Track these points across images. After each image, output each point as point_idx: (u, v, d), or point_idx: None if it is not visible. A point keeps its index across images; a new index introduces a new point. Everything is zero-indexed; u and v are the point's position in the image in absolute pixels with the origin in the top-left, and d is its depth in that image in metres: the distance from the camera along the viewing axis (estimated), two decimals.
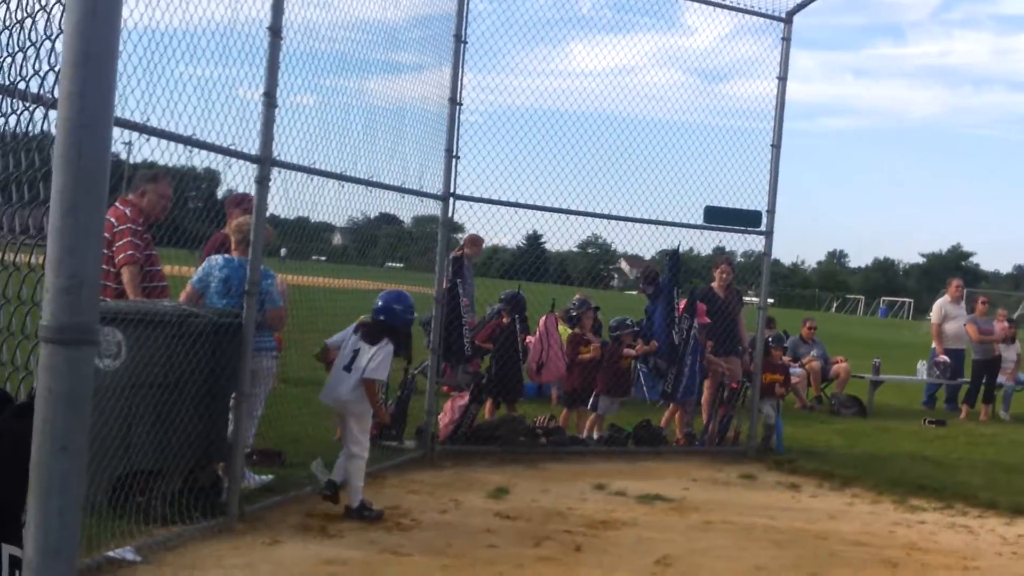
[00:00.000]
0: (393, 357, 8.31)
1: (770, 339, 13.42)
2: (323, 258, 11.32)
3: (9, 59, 3.23)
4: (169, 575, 6.23)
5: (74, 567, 2.38)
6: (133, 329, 6.86)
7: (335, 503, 8.01)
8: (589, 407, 12.19)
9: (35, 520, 2.36)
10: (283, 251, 9.69)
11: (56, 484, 2.35)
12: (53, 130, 2.87)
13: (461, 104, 10.77)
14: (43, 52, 3.00)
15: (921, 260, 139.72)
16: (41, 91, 3.04)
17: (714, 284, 13.06)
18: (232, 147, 7.24)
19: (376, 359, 8.01)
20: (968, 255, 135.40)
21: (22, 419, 2.56)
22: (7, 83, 3.34)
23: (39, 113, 3.17)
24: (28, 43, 3.07)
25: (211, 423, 7.39)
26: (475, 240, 13.43)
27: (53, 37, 2.85)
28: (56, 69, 2.83)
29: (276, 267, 8.65)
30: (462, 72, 10.75)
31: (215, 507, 7.43)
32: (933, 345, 19.17)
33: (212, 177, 9.00)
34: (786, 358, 14.89)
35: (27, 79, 3.04)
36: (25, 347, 2.99)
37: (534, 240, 14.30)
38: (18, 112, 3.27)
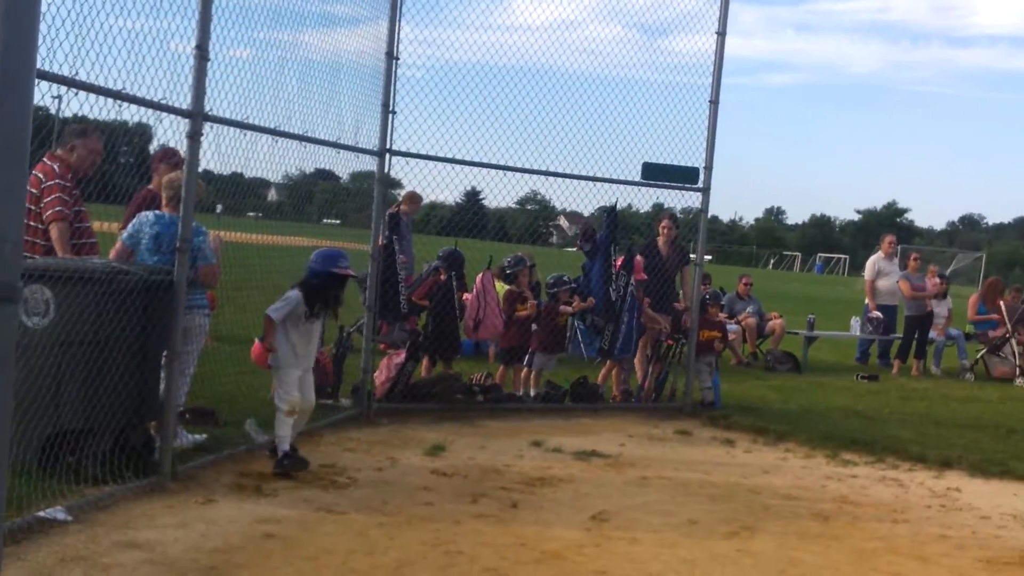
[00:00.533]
0: (309, 308, 8.24)
1: (707, 296, 13.51)
2: (259, 215, 11.20)
3: None
4: (101, 535, 6.16)
5: (1, 522, 2.34)
6: (62, 286, 6.72)
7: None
8: (525, 363, 12.22)
9: None
10: (219, 207, 9.55)
11: None
12: None
13: (398, 58, 10.65)
14: None
15: (857, 217, 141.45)
16: None
17: (658, 240, 13.11)
18: (163, 101, 7.10)
19: (277, 303, 8.14)
20: (903, 211, 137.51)
21: None
22: None
23: None
24: None
25: (142, 382, 7.28)
26: (413, 197, 13.35)
27: None
28: None
29: (212, 224, 8.55)
30: (399, 26, 10.63)
31: (148, 466, 7.35)
32: (866, 301, 19.41)
33: (144, 132, 8.84)
34: (722, 315, 15.02)
35: None
36: None
37: (472, 196, 14.25)
38: None
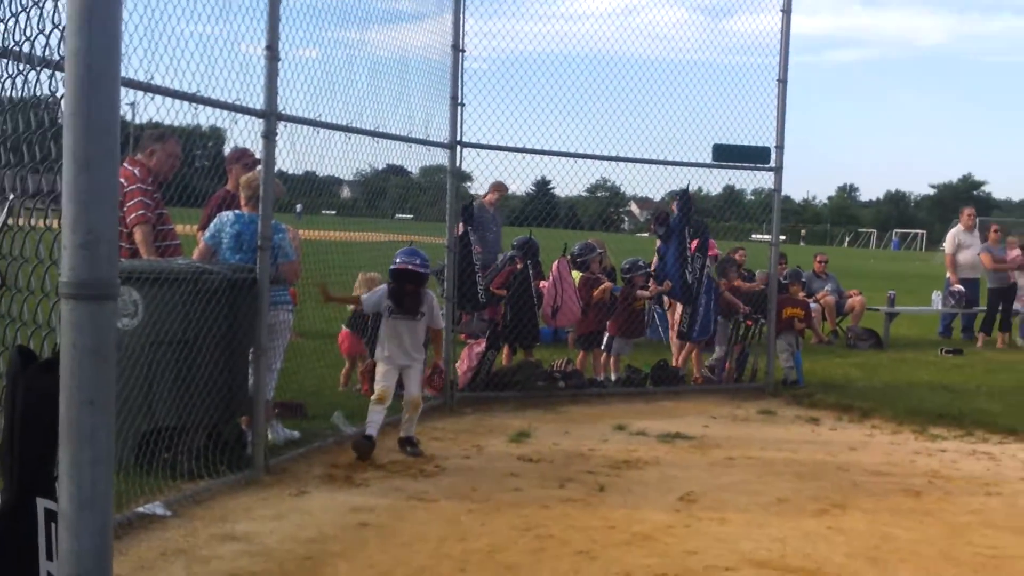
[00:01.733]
0: (392, 303, 8.63)
1: (787, 274, 13.41)
2: (332, 212, 11.33)
3: (12, 20, 3.22)
4: (200, 528, 6.30)
5: (109, 517, 2.41)
6: (149, 288, 6.88)
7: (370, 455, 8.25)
8: (603, 348, 12.23)
9: (67, 473, 2.39)
10: (298, 207, 9.67)
11: (86, 437, 2.37)
12: (59, 90, 2.89)
13: (464, 51, 10.72)
14: (45, 12, 2.99)
15: (932, 191, 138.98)
16: (46, 52, 3.03)
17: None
18: (237, 103, 7.22)
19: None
20: (979, 184, 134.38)
21: (48, 375, 2.58)
22: (8, 46, 3.34)
23: (44, 75, 3.16)
24: (30, 3, 3.06)
25: (231, 378, 7.43)
26: (498, 186, 13.39)
27: None
28: (60, 28, 2.82)
29: (291, 223, 8.69)
30: (463, 18, 10.69)
31: (241, 461, 7.52)
32: (947, 275, 19.11)
33: (217, 135, 8.99)
34: (803, 293, 14.88)
35: (32, 39, 3.03)
36: (46, 305, 3.01)
37: (543, 186, 14.29)
38: (24, 73, 3.27)
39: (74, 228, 2.37)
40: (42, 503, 2.65)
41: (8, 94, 3.45)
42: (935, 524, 6.98)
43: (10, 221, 2.98)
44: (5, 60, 3.38)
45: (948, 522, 7.03)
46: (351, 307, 10.02)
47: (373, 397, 8.55)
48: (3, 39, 3.28)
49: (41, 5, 2.95)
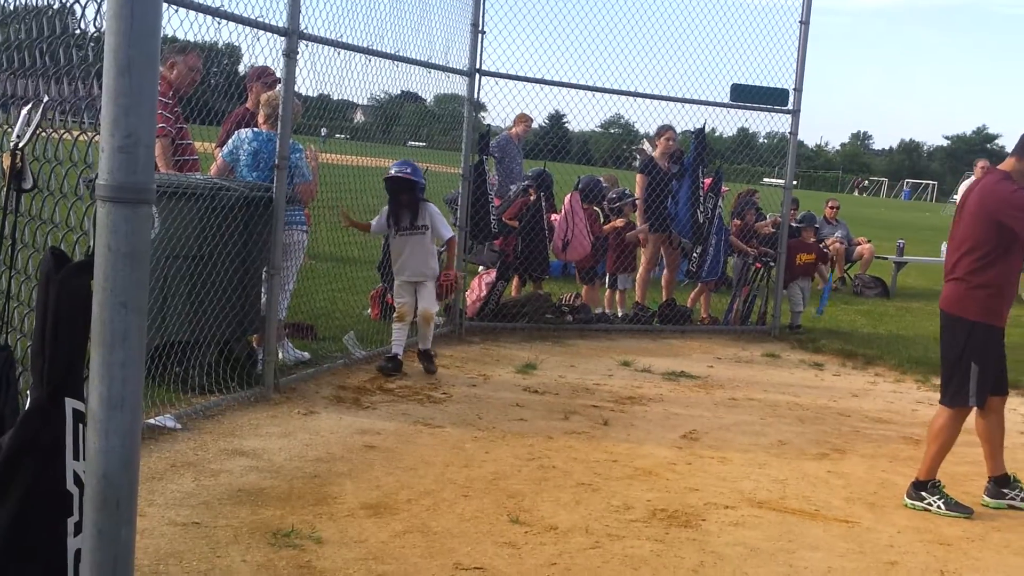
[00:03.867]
0: (390, 217, 8.97)
1: (800, 219, 13.38)
2: (343, 136, 11.28)
3: None
4: (209, 442, 6.37)
5: (138, 418, 2.44)
6: (166, 201, 6.86)
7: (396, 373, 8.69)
8: (607, 285, 12.27)
9: (98, 373, 2.41)
10: (323, 131, 9.62)
11: (118, 338, 2.38)
12: None
13: None
14: None
15: (946, 142, 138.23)
16: None
17: (655, 154, 12.54)
18: (260, 19, 7.17)
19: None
20: (994, 137, 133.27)
21: (80, 277, 2.60)
22: None
23: None
24: None
25: (244, 296, 7.45)
26: (524, 118, 13.30)
27: None
28: None
29: (316, 146, 8.68)
30: None
31: (251, 378, 7.58)
32: None
33: (233, 53, 8.92)
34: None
35: None
36: (79, 208, 3.02)
37: (556, 120, 14.21)
38: None
39: (113, 131, 2.36)
40: (71, 403, 2.69)
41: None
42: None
43: (43, 125, 2.97)
44: None
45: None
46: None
47: (394, 315, 8.99)
48: None
49: None
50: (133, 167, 2.38)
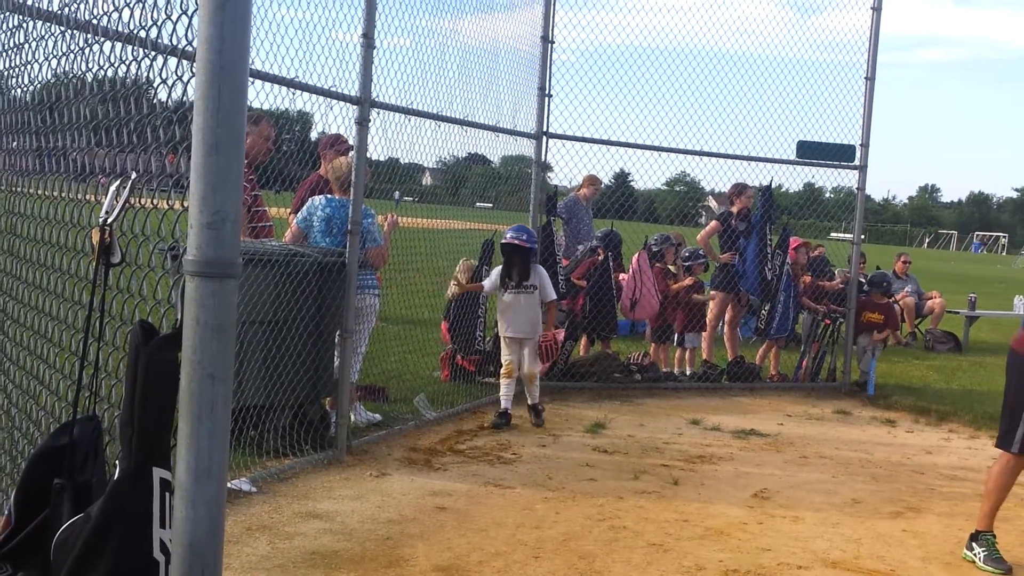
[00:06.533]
0: (503, 277, 9.51)
1: (871, 279, 13.25)
2: (414, 199, 11.43)
3: (138, 6, 3.33)
4: (284, 505, 6.46)
5: (223, 487, 2.50)
6: (243, 268, 6.99)
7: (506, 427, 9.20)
8: (676, 343, 12.25)
9: (186, 444, 2.48)
10: (396, 194, 9.78)
11: (206, 408, 2.45)
12: (185, 74, 2.99)
13: (553, 42, 10.78)
14: None
15: (1015, 194, 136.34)
16: (173, 39, 3.12)
17: (733, 209, 12.51)
18: (333, 89, 7.33)
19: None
20: None
21: (169, 349, 2.69)
22: (135, 31, 3.45)
23: (169, 60, 3.26)
24: None
25: (318, 359, 7.58)
26: (593, 180, 13.40)
27: None
28: (189, 13, 2.92)
29: (391, 209, 8.83)
30: (554, 9, 10.75)
31: (324, 441, 7.67)
32: None
33: (305, 120, 9.13)
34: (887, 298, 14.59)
35: (159, 24, 3.14)
36: (166, 281, 3.11)
37: (622, 178, 14.28)
38: (150, 58, 3.37)
39: (201, 208, 2.45)
40: (158, 472, 2.76)
41: (132, 77, 3.57)
42: (1011, 531, 6.92)
43: (131, 200, 3.08)
44: (131, 45, 3.49)
45: (1023, 529, 6.98)
46: (448, 297, 10.46)
47: (501, 371, 9.51)
48: (129, 24, 3.39)
49: None
50: (220, 243, 2.46)
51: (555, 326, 10.62)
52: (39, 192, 4.80)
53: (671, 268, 12.34)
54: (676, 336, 12.24)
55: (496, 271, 9.56)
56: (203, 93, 2.46)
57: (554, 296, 9.84)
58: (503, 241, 9.48)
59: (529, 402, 9.48)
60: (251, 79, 6.45)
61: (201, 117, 2.47)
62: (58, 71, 4.36)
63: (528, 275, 9.45)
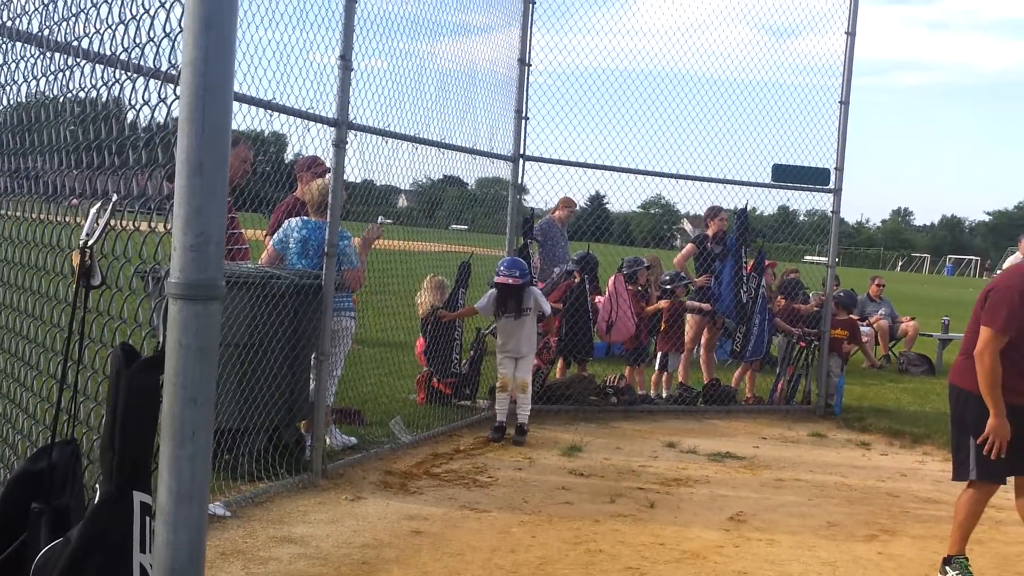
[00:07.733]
0: (498, 306, 9.81)
1: (833, 296, 13.34)
2: (389, 221, 11.42)
3: (121, 28, 3.32)
4: (258, 529, 6.41)
5: (204, 511, 2.48)
6: None
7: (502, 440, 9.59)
8: (657, 367, 12.26)
9: (167, 467, 2.46)
10: (380, 218, 9.76)
11: (187, 432, 2.43)
12: (169, 96, 2.98)
13: (530, 65, 10.82)
14: (157, 22, 3.08)
15: (987, 218, 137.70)
16: (156, 61, 3.12)
17: (708, 232, 12.55)
18: (310, 111, 7.33)
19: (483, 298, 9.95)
20: None
21: (150, 372, 2.67)
22: (116, 53, 3.44)
23: (149, 82, 3.26)
24: (141, 12, 3.15)
25: (293, 382, 7.53)
26: (568, 202, 13.44)
27: (168, 5, 2.93)
28: (172, 36, 2.92)
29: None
30: (531, 33, 10.80)
31: (299, 464, 7.62)
32: None
33: (279, 141, 9.11)
34: (852, 315, 14.72)
35: (141, 47, 3.12)
36: (147, 304, 3.10)
37: (597, 201, 14.32)
38: (131, 79, 3.37)
39: (185, 230, 2.44)
40: (138, 496, 2.74)
41: (112, 98, 3.55)
42: (985, 554, 6.95)
43: (112, 222, 3.07)
44: (112, 67, 3.48)
45: (998, 552, 7.01)
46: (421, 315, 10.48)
47: (497, 386, 9.91)
48: (111, 46, 3.38)
49: (152, 15, 3.04)
50: (204, 265, 2.44)
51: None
52: (15, 213, 4.77)
53: (642, 288, 12.34)
54: (660, 357, 12.24)
55: (490, 295, 9.79)
56: (187, 115, 2.45)
57: (548, 309, 10.20)
58: (496, 280, 9.70)
59: (517, 420, 9.73)
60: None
61: (186, 139, 2.46)
62: (37, 92, 4.34)
63: (524, 303, 9.71)
